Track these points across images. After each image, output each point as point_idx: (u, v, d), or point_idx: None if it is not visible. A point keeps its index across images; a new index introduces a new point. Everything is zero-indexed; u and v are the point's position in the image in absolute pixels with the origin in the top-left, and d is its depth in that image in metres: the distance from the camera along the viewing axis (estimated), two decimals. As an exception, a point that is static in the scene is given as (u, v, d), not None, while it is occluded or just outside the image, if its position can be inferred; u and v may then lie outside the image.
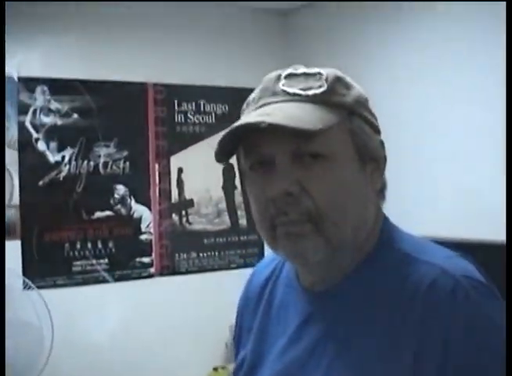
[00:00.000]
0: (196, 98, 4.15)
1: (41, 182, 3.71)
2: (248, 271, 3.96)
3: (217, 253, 4.20)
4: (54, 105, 3.75)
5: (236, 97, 4.13)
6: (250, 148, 1.13)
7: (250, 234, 4.27)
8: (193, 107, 4.14)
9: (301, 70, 1.16)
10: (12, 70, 3.66)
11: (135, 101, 3.97)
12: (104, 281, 3.87)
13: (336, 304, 1.14)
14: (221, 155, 1.14)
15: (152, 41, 3.99)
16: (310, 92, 1.12)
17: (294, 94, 1.13)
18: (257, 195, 1.13)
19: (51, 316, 3.28)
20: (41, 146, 3.72)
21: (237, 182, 4.21)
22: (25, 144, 3.69)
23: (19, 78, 3.68)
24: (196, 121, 4.14)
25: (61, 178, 3.76)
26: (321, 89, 1.12)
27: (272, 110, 1.09)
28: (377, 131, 1.18)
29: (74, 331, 3.65)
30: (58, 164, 3.76)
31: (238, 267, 4.26)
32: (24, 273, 3.58)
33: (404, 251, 1.13)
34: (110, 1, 3.82)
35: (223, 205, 4.22)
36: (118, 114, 3.90)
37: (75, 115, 3.80)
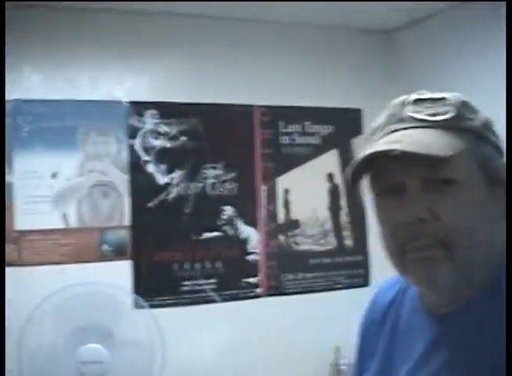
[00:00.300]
0: (302, 119, 4.16)
1: (150, 204, 3.80)
2: (353, 292, 3.95)
3: (322, 273, 4.19)
4: (163, 128, 3.84)
5: (341, 117, 4.17)
6: (379, 174, 1.14)
7: (356, 255, 4.25)
8: (299, 129, 4.16)
9: (427, 95, 1.18)
10: (122, 95, 3.78)
11: (241, 123, 4.02)
12: (212, 301, 3.91)
13: (462, 327, 1.13)
14: (353, 182, 1.15)
15: (257, 63, 4.04)
16: (438, 118, 1.13)
17: (422, 120, 1.14)
18: (386, 220, 1.14)
19: (162, 334, 3.33)
20: (150, 168, 3.81)
21: (343, 202, 4.20)
22: (135, 167, 3.78)
23: (129, 103, 3.79)
24: (302, 142, 4.15)
25: (170, 200, 3.83)
26: (448, 115, 1.13)
27: (402, 137, 1.11)
28: (502, 154, 1.19)
29: (182, 350, 3.69)
30: (167, 185, 3.83)
31: (343, 288, 4.22)
32: (135, 292, 3.67)
33: None
34: (216, 22, 3.92)
35: (329, 226, 4.20)
36: (225, 136, 3.96)
37: (183, 138, 3.87)
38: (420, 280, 1.15)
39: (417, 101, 1.17)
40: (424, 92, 1.19)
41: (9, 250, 3.56)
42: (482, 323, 1.10)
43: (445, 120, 1.13)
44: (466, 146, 1.10)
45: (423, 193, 1.09)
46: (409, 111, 1.15)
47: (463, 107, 1.15)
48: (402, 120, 1.15)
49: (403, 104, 1.17)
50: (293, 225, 4.11)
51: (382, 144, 1.11)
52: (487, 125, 1.16)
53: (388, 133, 1.15)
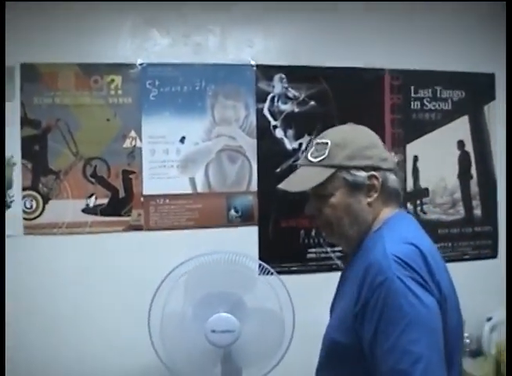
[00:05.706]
0: (433, 84, 4.02)
1: (278, 169, 3.75)
2: (481, 263, 3.80)
3: (450, 244, 4.07)
4: (291, 92, 3.77)
5: (473, 82, 4.01)
6: None
7: (485, 225, 4.11)
8: (430, 94, 4.01)
9: (321, 140, 1.89)
10: (251, 58, 3.71)
11: (371, 88, 3.90)
12: (337, 269, 3.84)
13: (352, 264, 1.96)
14: None
15: (389, 26, 3.91)
16: (316, 160, 1.86)
17: (309, 160, 1.91)
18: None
19: (292, 301, 3.27)
20: (278, 133, 3.75)
21: (473, 171, 4.06)
22: (263, 131, 3.73)
23: (258, 66, 3.72)
24: (432, 107, 4.01)
25: (298, 166, 3.75)
26: (321, 156, 1.85)
27: (292, 176, 1.98)
28: (365, 168, 1.86)
29: (308, 318, 3.65)
30: (295, 151, 3.77)
31: (470, 259, 4.10)
32: (260, 258, 3.63)
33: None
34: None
35: (458, 195, 4.07)
36: (354, 101, 3.84)
37: (312, 102, 3.80)
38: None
39: (316, 144, 1.91)
40: (326, 134, 1.91)
41: (137, 215, 3.57)
42: (357, 260, 1.86)
43: (320, 160, 1.85)
44: (331, 175, 1.83)
45: (315, 201, 1.93)
46: (308, 152, 1.93)
47: (335, 148, 1.83)
48: (305, 158, 1.96)
49: (311, 145, 1.95)
50: (422, 193, 3.99)
51: (284, 182, 1.97)
52: (350, 156, 1.82)
53: (297, 166, 2.01)
